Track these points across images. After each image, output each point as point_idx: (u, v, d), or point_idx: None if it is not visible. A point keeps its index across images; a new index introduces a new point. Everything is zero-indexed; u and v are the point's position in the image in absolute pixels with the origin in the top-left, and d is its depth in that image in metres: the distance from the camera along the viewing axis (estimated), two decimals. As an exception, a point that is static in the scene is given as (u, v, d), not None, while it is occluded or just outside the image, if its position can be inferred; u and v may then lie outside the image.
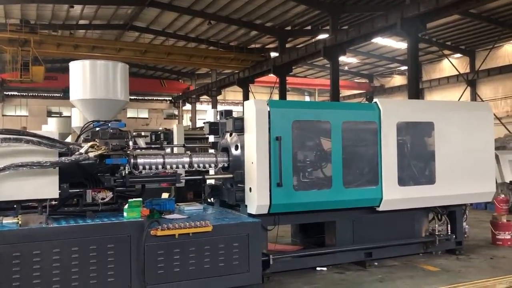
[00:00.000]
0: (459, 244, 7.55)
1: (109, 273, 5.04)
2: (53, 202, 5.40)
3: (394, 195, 6.61)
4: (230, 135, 6.53)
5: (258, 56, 26.05)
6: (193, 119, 34.38)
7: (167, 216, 6.08)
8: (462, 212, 7.60)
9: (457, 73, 25.26)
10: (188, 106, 36.40)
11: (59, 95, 34.87)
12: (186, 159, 6.15)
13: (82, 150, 5.46)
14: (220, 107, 35.23)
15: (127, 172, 5.72)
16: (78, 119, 12.59)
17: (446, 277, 6.28)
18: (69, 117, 13.51)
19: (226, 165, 6.44)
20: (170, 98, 38.26)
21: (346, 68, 32.25)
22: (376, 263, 6.79)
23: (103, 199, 5.60)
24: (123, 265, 5.11)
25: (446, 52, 26.83)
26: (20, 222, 4.98)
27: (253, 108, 5.91)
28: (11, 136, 5.08)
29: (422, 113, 7.08)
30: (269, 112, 5.94)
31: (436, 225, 7.39)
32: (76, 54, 22.50)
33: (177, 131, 10.87)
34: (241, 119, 6.18)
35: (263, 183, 5.88)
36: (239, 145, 6.29)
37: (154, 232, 5.21)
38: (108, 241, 5.08)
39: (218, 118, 7.11)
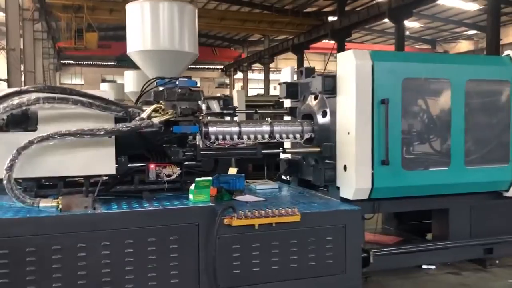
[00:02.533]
0: None
1: (172, 272, 3.82)
2: (104, 178, 4.21)
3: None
4: (316, 98, 5.08)
5: (315, 20, 24.13)
6: (244, 88, 33.03)
7: (239, 198, 4.78)
8: None
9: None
10: (239, 75, 35.03)
11: (113, 63, 34.37)
12: (266, 128, 4.75)
13: (144, 115, 4.20)
14: (273, 76, 33.68)
15: (198, 142, 4.43)
16: (132, 83, 11.18)
17: None
18: (122, 84, 12.14)
19: (310, 136, 5.02)
20: (222, 67, 36.98)
21: (407, 33, 29.65)
22: (497, 261, 5.26)
23: (169, 176, 4.32)
24: (190, 262, 3.87)
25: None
26: (60, 206, 3.81)
27: (351, 61, 4.40)
28: (56, 96, 3.85)
29: None
30: (372, 66, 4.42)
31: None
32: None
33: (238, 97, 9.48)
34: (332, 77, 4.70)
35: (363, 160, 4.42)
36: (328, 110, 4.83)
37: (228, 221, 3.92)
38: (170, 232, 3.83)
39: (296, 78, 5.67)
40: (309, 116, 5.15)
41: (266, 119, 5.10)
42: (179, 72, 5.13)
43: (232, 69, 35.61)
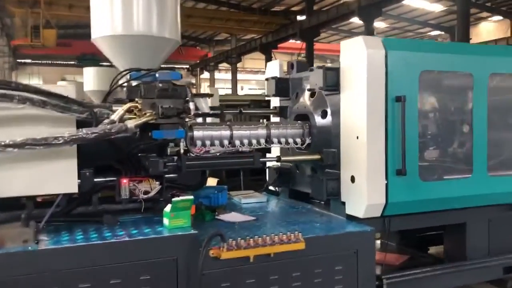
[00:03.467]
0: None
1: (142, 323, 2.88)
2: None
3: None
4: (312, 95, 4.22)
5: (284, 18, 23.39)
6: (211, 88, 31.98)
7: (223, 217, 3.87)
8: None
9: (496, 37, 22.49)
10: (206, 75, 33.92)
11: (74, 62, 32.52)
12: (262, 131, 3.84)
13: (115, 117, 3.25)
14: (240, 76, 32.80)
15: (182, 150, 3.50)
16: (92, 81, 9.82)
17: None
18: (81, 82, 10.80)
19: (302, 140, 4.14)
20: (188, 66, 35.74)
21: (375, 33, 29.40)
22: (517, 282, 4.56)
23: (146, 193, 3.37)
24: (165, 309, 2.94)
25: (484, 14, 24.00)
26: (-8, 240, 2.80)
27: (361, 50, 3.55)
28: (-4, 91, 2.88)
29: None
30: (386, 56, 3.59)
31: None
32: (89, 16, 20.05)
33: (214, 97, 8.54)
34: (335, 70, 3.85)
35: (376, 169, 3.59)
36: (328, 110, 3.98)
37: (215, 252, 3.00)
38: (141, 270, 2.88)
39: (282, 73, 4.82)
40: (303, 117, 4.29)
41: (262, 120, 4.20)
42: (158, 63, 4.05)
43: (198, 69, 34.43)
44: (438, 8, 24.69)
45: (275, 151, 4.82)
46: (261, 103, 9.52)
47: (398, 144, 3.61)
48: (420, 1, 23.93)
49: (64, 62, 33.15)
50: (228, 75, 31.85)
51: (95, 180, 3.32)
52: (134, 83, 3.62)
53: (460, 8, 15.53)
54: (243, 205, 4.45)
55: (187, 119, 3.53)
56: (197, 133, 3.62)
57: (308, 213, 4.07)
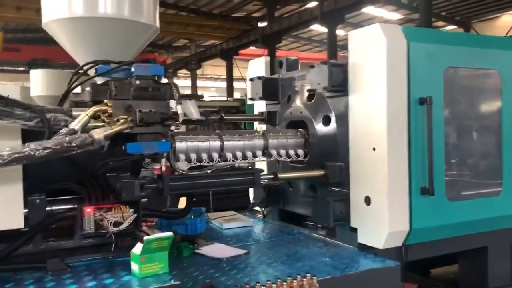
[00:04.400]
0: None
1: None
2: None
3: None
4: (310, 98, 3.45)
5: (245, 24, 22.70)
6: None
7: (205, 251, 3.03)
8: None
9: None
10: (164, 81, 32.68)
11: (23, 68, 30.43)
12: (258, 142, 3.03)
13: (75, 125, 2.42)
14: (200, 83, 31.77)
15: (163, 167, 2.63)
16: (41, 85, 8.52)
17: None
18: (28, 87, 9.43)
19: (296, 152, 3.35)
20: (145, 73, 34.34)
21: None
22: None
23: (117, 224, 2.51)
24: None
25: (440, 24, 24.30)
26: None
27: (379, 40, 2.81)
28: None
29: None
30: (408, 49, 2.88)
31: None
32: (40, 20, 18.55)
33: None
34: (342, 67, 3.09)
35: (398, 189, 2.85)
36: (332, 115, 3.23)
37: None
38: None
39: (275, 72, 4.04)
40: (298, 124, 3.51)
41: (257, 129, 3.37)
42: (131, 55, 3.11)
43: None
44: (396, 16, 24.84)
45: (259, 165, 4.02)
46: (230, 109, 8.75)
47: (423, 156, 2.90)
48: (379, 9, 24.03)
49: (13, 68, 30.99)
50: (188, 82, 30.81)
51: (49, 209, 2.53)
52: (101, 80, 2.76)
53: (423, 17, 15.45)
54: (224, 231, 3.62)
55: (172, 128, 2.69)
56: (180, 144, 2.78)
57: (308, 241, 3.28)
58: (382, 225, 2.85)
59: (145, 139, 2.49)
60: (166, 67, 32.59)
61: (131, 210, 2.65)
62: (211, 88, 36.45)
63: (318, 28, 24.48)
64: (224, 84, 27.99)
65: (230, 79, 24.55)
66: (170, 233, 2.33)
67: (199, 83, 30.02)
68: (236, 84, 25.62)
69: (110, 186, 2.66)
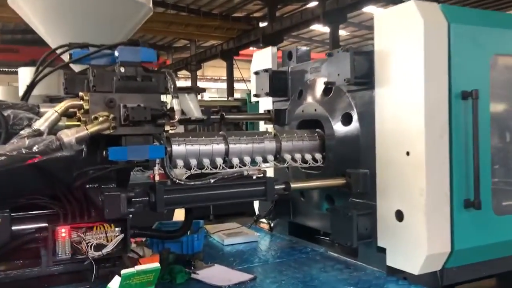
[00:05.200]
0: None
1: None
2: None
3: None
4: (327, 93, 2.92)
5: (246, 24, 22.21)
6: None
7: (203, 276, 2.49)
8: None
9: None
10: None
11: (22, 70, 29.93)
12: (270, 145, 2.51)
13: (40, 125, 1.93)
14: (200, 83, 31.24)
15: (156, 176, 2.10)
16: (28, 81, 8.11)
17: None
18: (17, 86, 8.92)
19: (313, 156, 2.81)
20: (145, 74, 33.85)
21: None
22: None
23: (99, 248, 2.00)
24: None
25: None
26: None
27: (414, 21, 2.28)
28: None
29: None
30: (448, 31, 2.35)
31: None
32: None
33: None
34: (367, 55, 2.57)
35: (438, 201, 2.32)
36: (354, 113, 2.69)
37: None
38: None
39: (283, 64, 3.51)
40: (312, 124, 2.98)
41: (268, 129, 2.84)
42: (122, 36, 2.57)
43: (156, 77, 32.68)
44: (398, 16, 24.40)
45: (270, 171, 3.48)
46: (230, 109, 8.25)
47: (466, 161, 2.37)
48: (381, 9, 23.58)
49: (11, 69, 30.49)
50: (188, 83, 30.33)
51: (14, 228, 2.05)
52: (79, 68, 2.26)
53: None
54: (226, 248, 3.08)
55: (167, 128, 2.15)
56: (177, 148, 2.25)
57: (325, 262, 2.75)
58: (418, 246, 2.31)
59: (132, 142, 1.97)
60: (166, 68, 32.19)
61: (117, 229, 2.13)
62: (212, 89, 35.98)
63: (319, 28, 24.02)
64: (224, 85, 27.52)
65: (230, 79, 24.08)
66: (156, 265, 1.80)
67: (200, 84, 29.52)
68: (237, 85, 25.14)
69: (91, 201, 2.14)
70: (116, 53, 2.04)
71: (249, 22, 22.64)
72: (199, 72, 29.72)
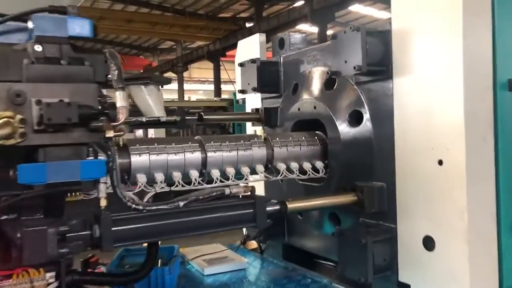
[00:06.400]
0: None
1: None
2: None
3: None
4: (329, 86, 2.34)
5: (232, 24, 21.66)
6: (156, 98, 29.59)
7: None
8: None
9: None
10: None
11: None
12: (260, 152, 1.91)
13: None
14: (187, 86, 30.54)
15: (102, 201, 1.50)
16: None
17: None
18: None
19: (313, 164, 2.23)
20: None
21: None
22: None
23: None
24: None
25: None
26: None
27: (449, -11, 1.72)
28: None
29: None
30: (492, 8, 1.78)
31: None
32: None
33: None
34: (383, 35, 1.99)
35: (482, 225, 1.76)
36: (366, 111, 2.11)
37: None
38: None
39: (273, 54, 2.93)
40: (310, 125, 2.39)
41: (256, 132, 2.23)
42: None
43: (142, 79, 31.92)
44: (386, 15, 24.01)
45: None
46: (216, 110, 7.65)
47: (515, 172, 1.80)
48: (368, 8, 23.23)
49: None
50: (174, 85, 29.64)
51: None
52: None
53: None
54: (207, 279, 2.48)
55: (109, 134, 1.52)
56: (138, 159, 1.64)
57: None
58: (456, 283, 1.74)
59: (55, 156, 1.34)
60: (152, 70, 31.57)
61: (48, 275, 1.51)
62: (199, 91, 35.36)
63: (307, 28, 23.53)
64: (211, 87, 26.92)
65: (217, 81, 23.52)
66: None
67: (186, 86, 28.86)
68: (224, 87, 24.56)
69: (8, 238, 1.52)
70: (30, 25, 1.41)
71: (235, 22, 22.10)
72: (185, 74, 29.08)
